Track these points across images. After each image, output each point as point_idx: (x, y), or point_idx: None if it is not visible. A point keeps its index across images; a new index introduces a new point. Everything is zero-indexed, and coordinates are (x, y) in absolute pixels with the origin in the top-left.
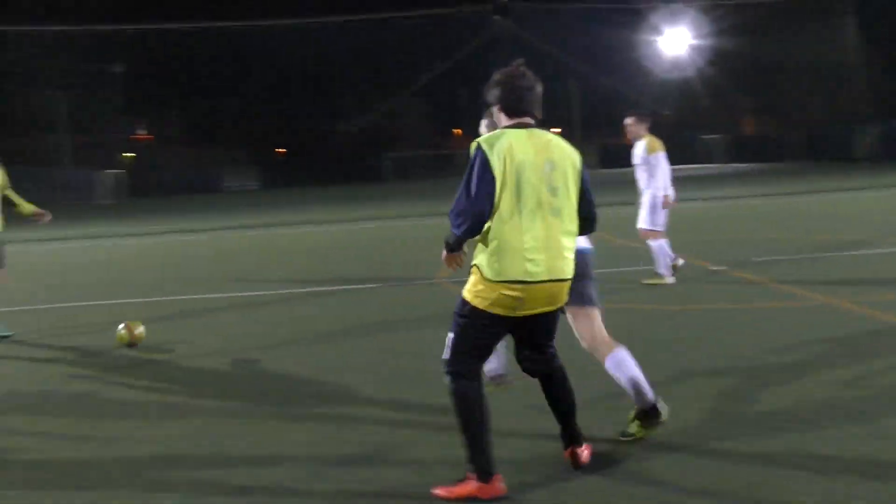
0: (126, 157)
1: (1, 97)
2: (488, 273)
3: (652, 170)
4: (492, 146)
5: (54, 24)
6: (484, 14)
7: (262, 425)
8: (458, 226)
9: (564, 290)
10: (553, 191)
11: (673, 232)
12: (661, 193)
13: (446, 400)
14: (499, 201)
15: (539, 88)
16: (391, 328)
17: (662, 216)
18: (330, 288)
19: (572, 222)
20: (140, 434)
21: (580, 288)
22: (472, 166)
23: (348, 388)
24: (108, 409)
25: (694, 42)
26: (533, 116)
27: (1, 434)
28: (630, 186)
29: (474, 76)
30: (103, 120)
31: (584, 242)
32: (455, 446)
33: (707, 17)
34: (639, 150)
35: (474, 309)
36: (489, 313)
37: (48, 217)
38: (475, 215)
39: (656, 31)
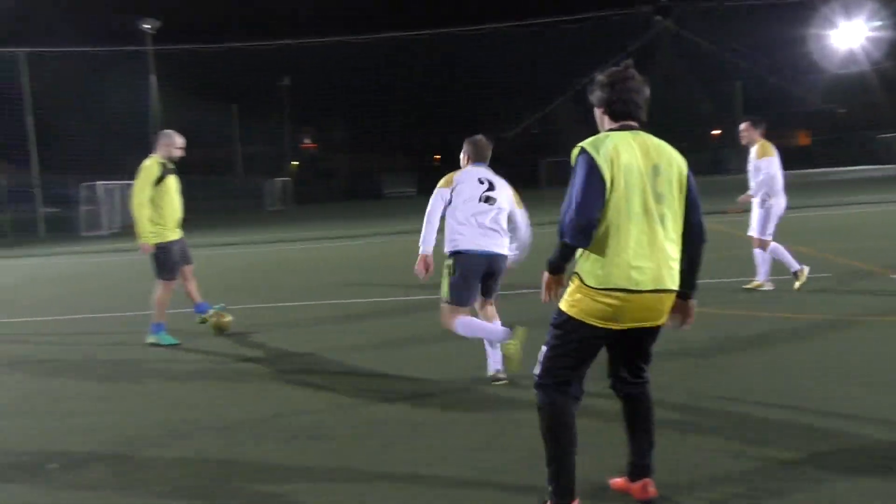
0: (294, 165)
1: (182, 110)
2: (590, 280)
3: (762, 172)
4: (597, 149)
5: (227, 40)
6: (645, 15)
7: (423, 428)
8: (569, 235)
9: (668, 303)
10: (658, 197)
11: (852, 237)
12: (771, 200)
13: (609, 407)
14: (608, 204)
15: (647, 91)
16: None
17: (772, 226)
18: None
19: (677, 231)
20: (312, 430)
21: (497, 283)
22: (578, 171)
23: (511, 392)
24: (283, 404)
25: (871, 34)
26: (638, 120)
27: (191, 428)
28: (797, 191)
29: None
30: (271, 130)
31: (506, 249)
32: (618, 457)
33: (887, 8)
34: (752, 155)
35: (571, 320)
36: (588, 324)
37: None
38: (585, 223)
39: (829, 24)
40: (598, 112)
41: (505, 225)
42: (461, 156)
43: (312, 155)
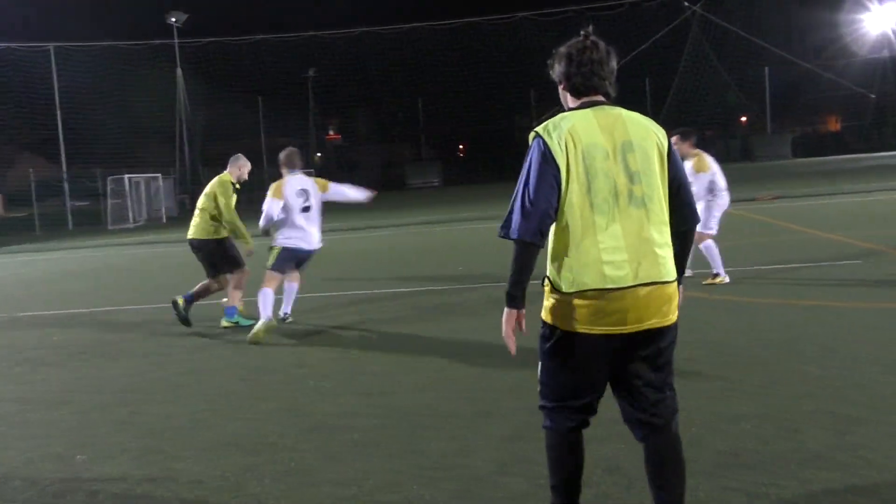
0: (318, 157)
1: (207, 104)
2: (560, 284)
3: (702, 183)
4: (550, 133)
5: (253, 33)
6: (674, 1)
7: (449, 419)
8: (522, 231)
9: (665, 298)
10: (632, 176)
11: (883, 224)
12: (717, 200)
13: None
14: (564, 196)
15: (613, 63)
16: None
17: (714, 220)
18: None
19: (663, 212)
20: (336, 420)
21: (305, 264)
22: (530, 159)
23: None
24: (306, 395)
25: None
26: (605, 95)
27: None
28: (826, 177)
29: (662, 65)
30: (296, 122)
31: (318, 243)
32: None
33: None
34: (688, 168)
35: (552, 329)
36: (568, 332)
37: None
38: (539, 214)
39: (862, 7)
40: (560, 89)
41: (318, 221)
42: (280, 164)
43: (337, 146)
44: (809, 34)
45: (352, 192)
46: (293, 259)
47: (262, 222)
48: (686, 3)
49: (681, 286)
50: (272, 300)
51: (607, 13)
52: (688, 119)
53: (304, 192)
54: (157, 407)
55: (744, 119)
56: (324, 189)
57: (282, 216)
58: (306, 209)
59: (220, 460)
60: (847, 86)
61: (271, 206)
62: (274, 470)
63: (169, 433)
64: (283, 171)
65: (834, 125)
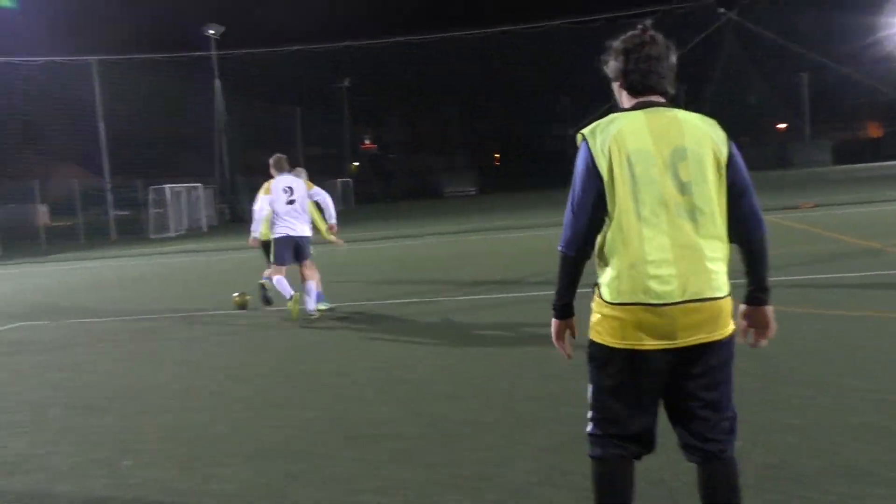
0: (354, 166)
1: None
2: (607, 293)
3: None
4: (595, 136)
5: (288, 44)
6: (708, 8)
7: (489, 428)
8: (561, 241)
9: (715, 314)
10: (683, 186)
11: None
12: None
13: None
14: (612, 204)
15: (673, 59)
16: None
17: None
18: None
19: (716, 225)
20: (376, 429)
21: (306, 253)
22: (576, 166)
23: (577, 392)
24: (346, 403)
25: None
26: (663, 94)
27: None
28: (865, 184)
29: (697, 72)
30: (332, 132)
31: (307, 231)
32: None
33: None
34: None
35: (596, 346)
36: (613, 349)
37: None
38: (579, 226)
39: None
40: (615, 87)
41: (305, 213)
42: (270, 167)
43: (372, 155)
44: (848, 39)
45: (329, 207)
46: (286, 247)
47: (254, 225)
48: (721, 10)
49: (768, 306)
50: (286, 282)
51: (641, 21)
52: (723, 126)
53: (289, 189)
54: (198, 413)
55: (783, 126)
56: (309, 188)
57: (276, 216)
58: (291, 202)
59: (264, 467)
60: (888, 91)
61: (261, 201)
62: (317, 478)
63: (211, 440)
64: (273, 172)
65: (875, 131)
